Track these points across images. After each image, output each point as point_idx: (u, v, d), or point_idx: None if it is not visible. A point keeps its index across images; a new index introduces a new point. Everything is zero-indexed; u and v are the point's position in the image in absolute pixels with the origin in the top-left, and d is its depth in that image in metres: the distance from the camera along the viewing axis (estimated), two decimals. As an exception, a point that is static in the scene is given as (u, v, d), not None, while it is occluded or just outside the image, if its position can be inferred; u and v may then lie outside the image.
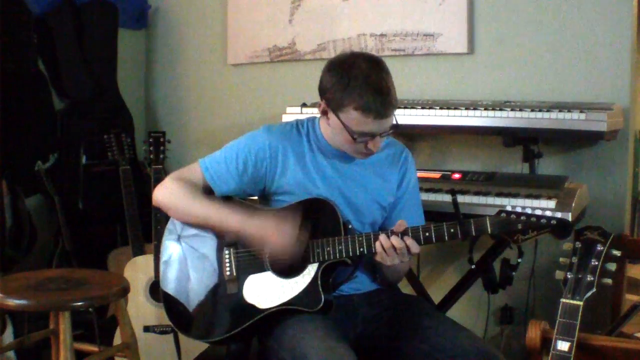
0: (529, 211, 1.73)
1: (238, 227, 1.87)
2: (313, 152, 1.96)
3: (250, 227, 1.86)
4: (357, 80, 1.77)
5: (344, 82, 1.79)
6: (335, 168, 1.95)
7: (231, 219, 1.88)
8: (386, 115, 1.80)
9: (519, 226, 1.71)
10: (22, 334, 2.59)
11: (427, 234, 1.77)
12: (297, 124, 2.01)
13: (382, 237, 1.78)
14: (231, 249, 1.92)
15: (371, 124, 1.79)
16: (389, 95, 1.79)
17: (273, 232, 1.83)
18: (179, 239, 1.98)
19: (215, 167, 1.95)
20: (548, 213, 1.72)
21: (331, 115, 1.85)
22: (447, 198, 2.22)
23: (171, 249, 1.99)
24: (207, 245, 1.96)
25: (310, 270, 1.83)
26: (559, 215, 1.74)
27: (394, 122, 1.86)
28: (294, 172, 1.93)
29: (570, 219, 2.06)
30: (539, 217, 1.70)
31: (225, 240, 1.94)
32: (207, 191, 1.97)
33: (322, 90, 1.86)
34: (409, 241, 1.76)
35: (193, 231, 1.96)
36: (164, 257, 1.99)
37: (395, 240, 1.76)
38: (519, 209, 1.74)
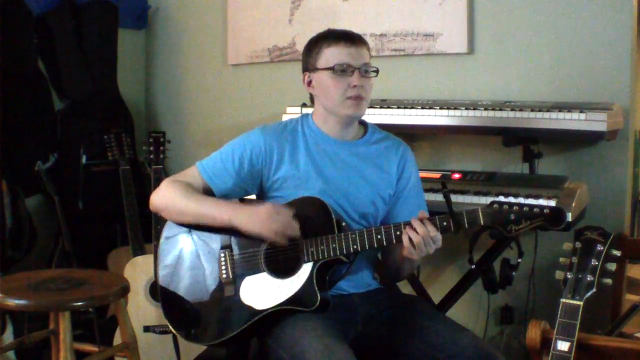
0: (522, 201, 1.72)
1: (229, 217, 1.87)
2: (308, 147, 1.97)
3: (241, 216, 1.86)
4: (324, 33, 1.98)
5: (313, 40, 1.98)
6: (332, 161, 1.96)
7: (222, 210, 1.88)
8: (356, 42, 1.92)
9: (512, 216, 1.69)
10: (22, 334, 2.59)
11: None
12: (292, 121, 2.04)
13: (412, 232, 1.75)
14: (226, 252, 1.92)
15: (344, 52, 1.90)
16: (354, 33, 1.96)
17: (264, 217, 1.82)
18: (189, 235, 1.99)
19: (212, 166, 1.97)
20: (542, 202, 1.71)
21: (314, 76, 1.96)
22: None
23: (173, 248, 1.99)
24: (206, 248, 1.96)
25: (305, 270, 1.82)
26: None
27: (373, 67, 1.94)
28: (289, 167, 1.95)
29: (570, 219, 2.05)
30: (531, 206, 1.70)
31: (221, 242, 1.94)
32: (206, 193, 1.97)
33: (303, 66, 2.00)
34: (433, 232, 1.75)
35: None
36: (165, 261, 1.99)
37: (431, 228, 1.74)
38: (512, 199, 1.74)
